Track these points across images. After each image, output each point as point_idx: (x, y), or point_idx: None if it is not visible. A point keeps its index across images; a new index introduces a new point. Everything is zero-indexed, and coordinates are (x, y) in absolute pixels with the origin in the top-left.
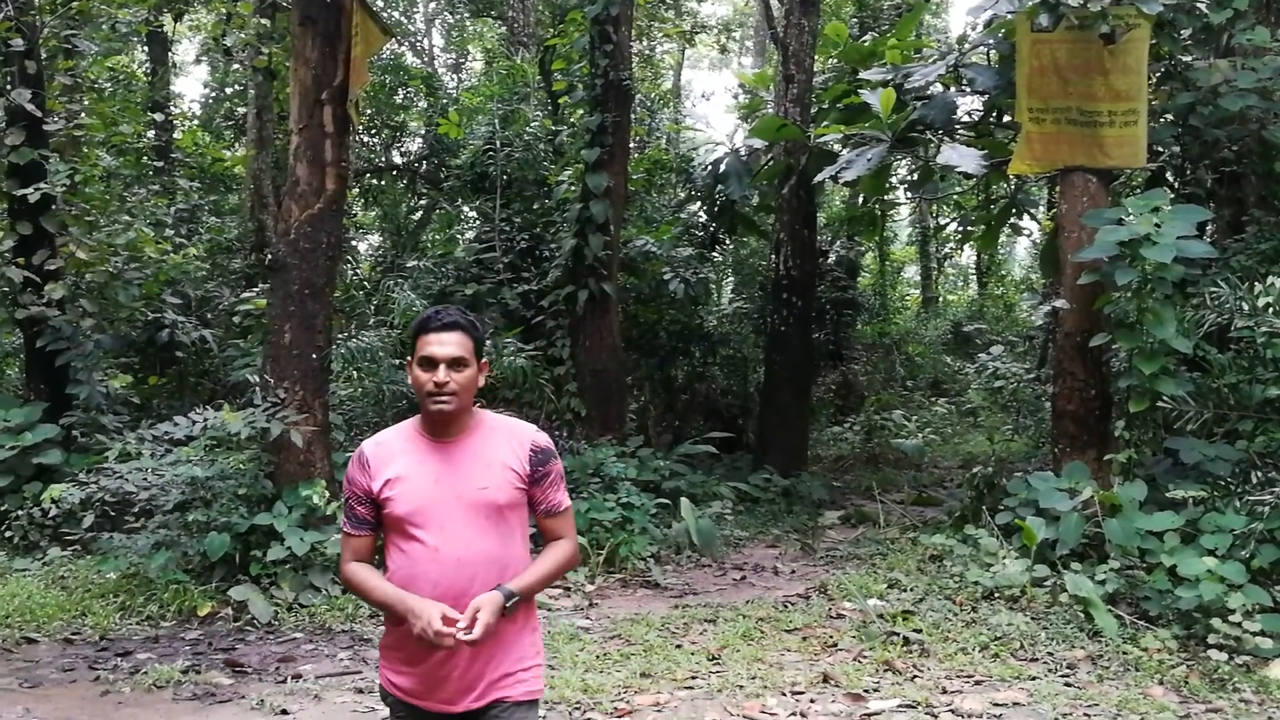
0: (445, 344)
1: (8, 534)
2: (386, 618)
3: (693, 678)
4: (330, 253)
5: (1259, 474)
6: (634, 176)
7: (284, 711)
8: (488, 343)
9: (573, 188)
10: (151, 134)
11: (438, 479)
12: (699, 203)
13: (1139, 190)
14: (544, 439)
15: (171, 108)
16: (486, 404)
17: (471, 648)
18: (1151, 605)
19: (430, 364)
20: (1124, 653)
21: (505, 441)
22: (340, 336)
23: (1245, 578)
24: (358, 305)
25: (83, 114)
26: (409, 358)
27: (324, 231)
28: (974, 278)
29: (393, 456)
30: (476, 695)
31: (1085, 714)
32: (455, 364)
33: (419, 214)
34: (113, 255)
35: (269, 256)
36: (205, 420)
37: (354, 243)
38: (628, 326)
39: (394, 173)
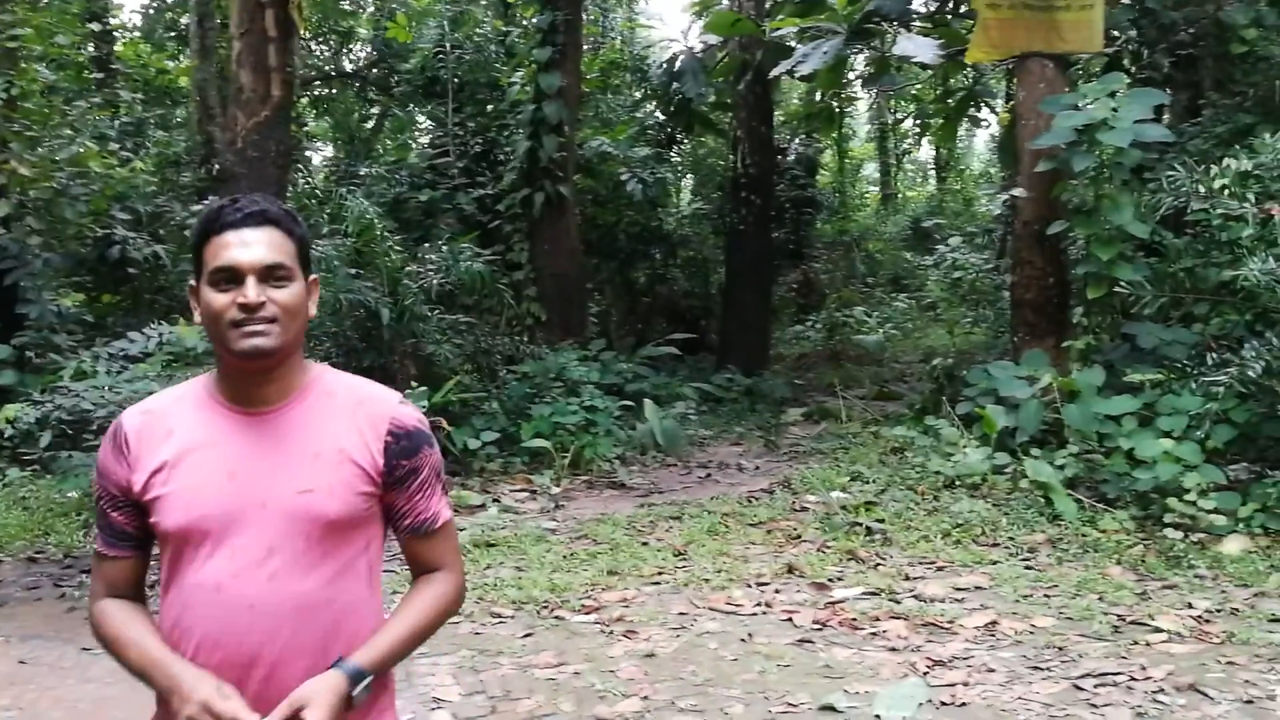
0: (251, 245)
1: None
2: (156, 694)
3: (659, 573)
4: (280, 161)
5: (1214, 356)
6: (588, 77)
7: None
8: (442, 248)
9: (525, 89)
10: (91, 47)
11: (234, 473)
12: (655, 102)
13: (1096, 76)
14: (411, 415)
15: (110, 18)
16: (444, 311)
17: None
18: (1110, 488)
19: (230, 277)
20: (1083, 535)
21: (349, 416)
22: None
23: (1200, 458)
24: (311, 214)
25: (16, 26)
26: (191, 282)
27: (272, 140)
28: (933, 173)
29: (169, 434)
30: None
31: (1045, 595)
32: (272, 275)
33: (371, 122)
34: (57, 171)
35: (217, 167)
36: (161, 335)
37: (307, 153)
38: (586, 229)
39: (344, 80)
